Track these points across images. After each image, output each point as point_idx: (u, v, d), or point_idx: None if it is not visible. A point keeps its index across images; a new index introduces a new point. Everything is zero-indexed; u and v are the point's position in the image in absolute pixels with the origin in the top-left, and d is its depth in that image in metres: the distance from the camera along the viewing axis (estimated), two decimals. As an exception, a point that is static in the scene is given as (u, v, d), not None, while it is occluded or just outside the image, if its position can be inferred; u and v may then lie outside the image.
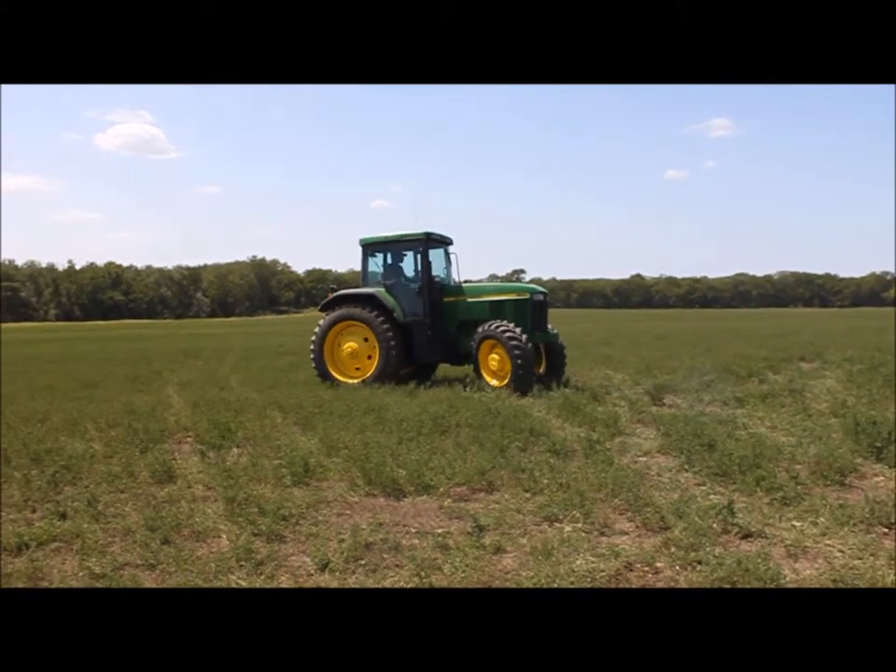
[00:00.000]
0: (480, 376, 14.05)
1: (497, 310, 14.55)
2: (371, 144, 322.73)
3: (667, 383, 13.43)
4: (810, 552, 5.12)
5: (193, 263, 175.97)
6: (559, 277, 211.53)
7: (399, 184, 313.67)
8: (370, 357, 14.84)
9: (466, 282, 15.75)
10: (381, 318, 14.60)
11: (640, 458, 8.00)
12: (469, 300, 14.99)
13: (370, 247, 15.55)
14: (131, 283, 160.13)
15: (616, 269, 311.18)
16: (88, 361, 24.55)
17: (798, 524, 5.65)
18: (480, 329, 14.02)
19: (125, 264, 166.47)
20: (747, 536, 5.43)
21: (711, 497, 6.42)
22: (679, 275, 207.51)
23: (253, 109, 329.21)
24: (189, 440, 9.60)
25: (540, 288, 15.17)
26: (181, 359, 24.25)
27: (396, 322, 14.70)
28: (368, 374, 14.66)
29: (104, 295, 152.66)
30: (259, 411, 11.20)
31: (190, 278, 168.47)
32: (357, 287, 15.59)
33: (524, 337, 13.52)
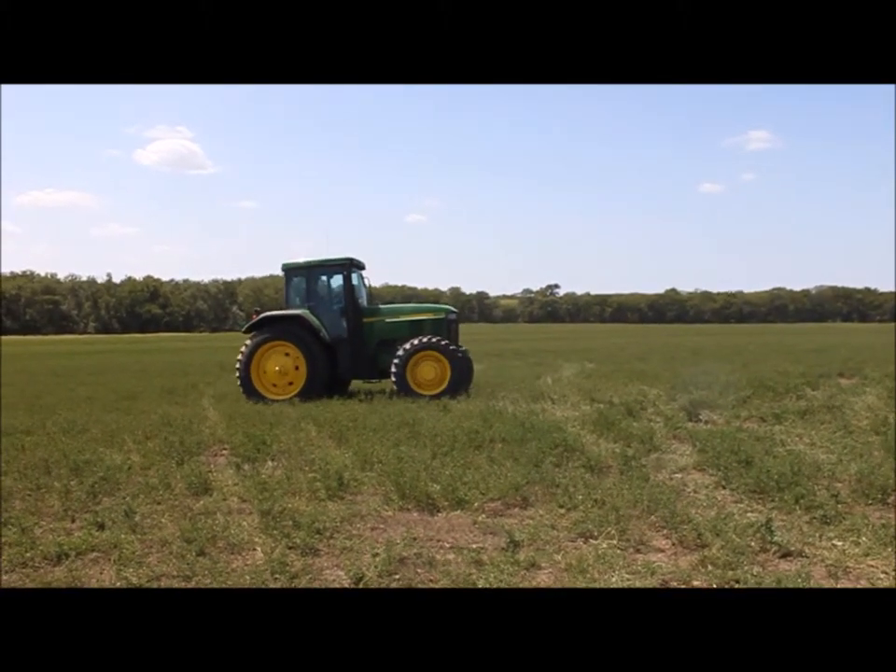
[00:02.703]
0: (407, 388, 15.13)
1: (417, 328, 16.12)
2: (407, 157, 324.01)
3: (703, 398, 13.25)
4: (852, 572, 5.01)
5: (229, 277, 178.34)
6: (593, 292, 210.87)
7: (434, 198, 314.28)
8: (295, 376, 15.55)
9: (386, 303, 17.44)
10: (308, 338, 15.52)
11: (676, 475, 7.91)
12: (388, 320, 16.44)
13: (292, 272, 16.38)
14: (168, 296, 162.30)
15: (651, 283, 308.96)
16: (126, 373, 24.90)
17: (839, 543, 5.54)
18: (412, 343, 15.29)
19: (163, 278, 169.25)
20: (786, 555, 5.33)
21: (749, 514, 6.32)
22: (715, 290, 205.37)
23: (289, 126, 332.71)
24: (224, 452, 9.70)
25: (453, 308, 17.46)
26: (217, 372, 24.47)
27: (322, 341, 15.65)
28: (295, 391, 15.36)
29: (141, 308, 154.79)
30: (294, 424, 11.28)
31: (226, 292, 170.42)
32: (280, 310, 16.36)
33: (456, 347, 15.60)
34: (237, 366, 15.72)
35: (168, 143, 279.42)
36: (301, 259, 16.36)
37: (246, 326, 16.14)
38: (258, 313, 16.30)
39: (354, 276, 16.24)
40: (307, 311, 15.84)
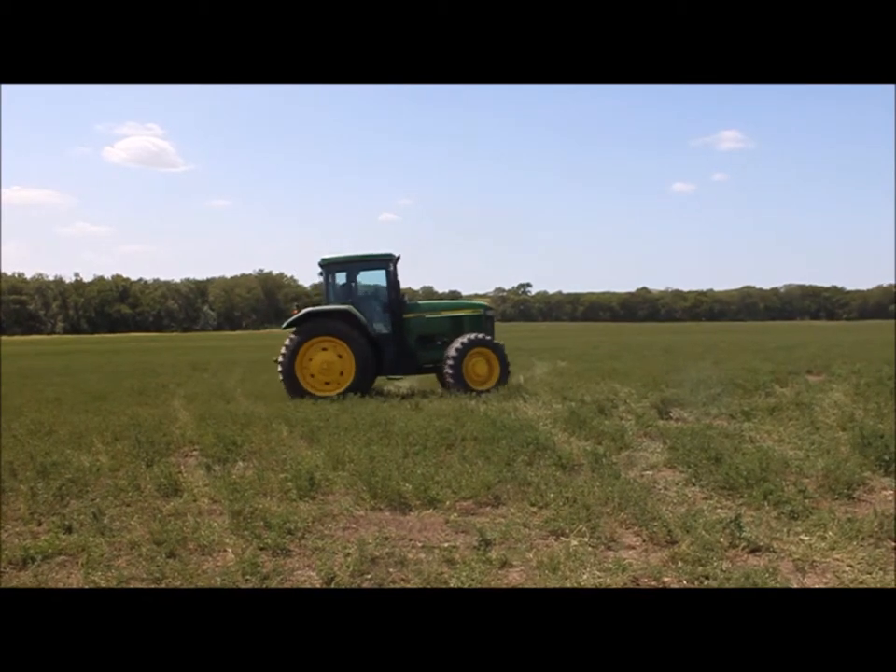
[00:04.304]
0: (464, 384, 15.14)
1: (457, 325, 16.36)
2: (378, 156, 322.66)
3: (674, 396, 13.39)
4: (818, 566, 5.09)
5: (200, 276, 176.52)
6: (565, 290, 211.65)
7: (407, 198, 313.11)
8: (342, 372, 15.31)
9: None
10: (356, 334, 15.25)
11: (647, 472, 7.98)
12: (428, 316, 16.30)
13: (332, 266, 16.13)
14: (138, 296, 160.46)
15: (622, 282, 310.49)
16: (94, 374, 24.59)
17: (806, 538, 5.62)
18: (465, 340, 15.44)
19: (133, 277, 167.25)
20: (754, 550, 5.40)
21: (718, 510, 6.39)
22: (686, 288, 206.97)
23: (262, 124, 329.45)
24: (194, 453, 9.62)
25: (489, 305, 17.89)
26: (188, 372, 24.28)
27: (368, 337, 15.41)
28: (342, 388, 15.09)
29: (111, 308, 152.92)
30: (265, 424, 11.19)
31: (197, 291, 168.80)
32: (319, 305, 16.12)
33: None
34: (280, 362, 15.28)
35: (138, 140, 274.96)
36: (328, 254, 16.13)
37: (289, 321, 15.67)
38: (299, 308, 15.96)
39: (382, 272, 16.09)
40: (351, 306, 15.61)
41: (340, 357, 15.26)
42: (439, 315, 16.50)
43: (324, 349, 15.28)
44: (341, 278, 16.16)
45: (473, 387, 15.11)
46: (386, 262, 15.91)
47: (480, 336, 15.64)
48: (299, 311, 15.73)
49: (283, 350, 15.29)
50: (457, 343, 15.41)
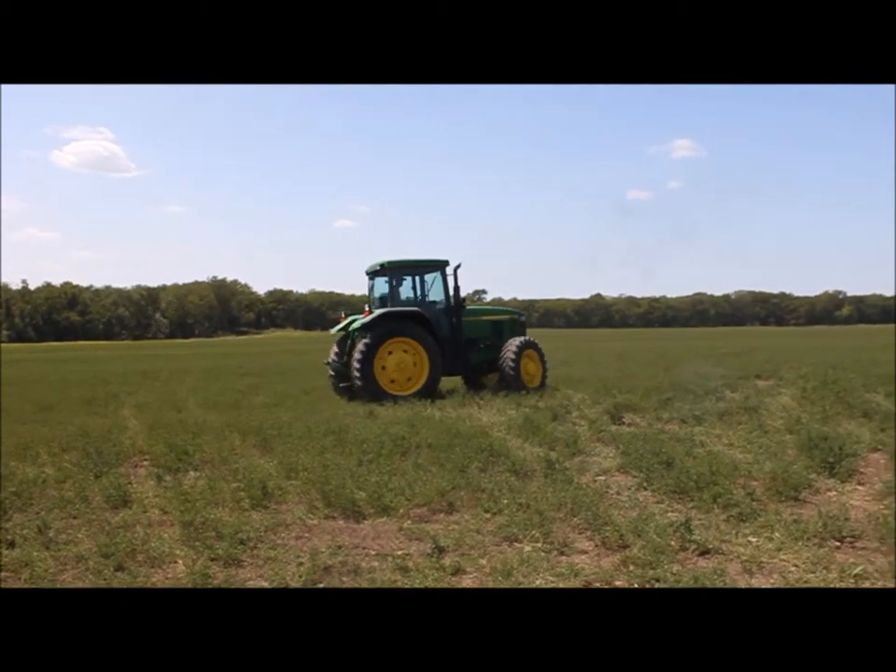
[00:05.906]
0: (520, 382, 16.09)
1: (498, 328, 17.43)
2: (335, 162, 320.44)
3: (626, 402, 13.52)
4: (766, 567, 5.19)
5: (153, 283, 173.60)
6: (520, 297, 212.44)
7: (364, 205, 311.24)
8: (415, 367, 15.67)
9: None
10: (430, 335, 15.70)
11: (599, 477, 8.05)
12: (472, 319, 16.92)
13: (395, 270, 16.40)
14: (88, 303, 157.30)
15: (576, 289, 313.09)
16: (42, 383, 24.03)
17: (754, 539, 5.73)
18: (520, 342, 16.59)
19: (83, 284, 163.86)
20: (704, 552, 5.48)
21: (669, 514, 6.48)
22: (639, 295, 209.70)
23: (215, 129, 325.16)
24: (145, 463, 9.46)
25: (520, 311, 19.13)
26: (138, 381, 23.88)
27: (437, 338, 15.87)
28: (416, 388, 15.48)
29: (59, 315, 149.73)
30: (218, 433, 11.02)
31: (149, 298, 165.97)
32: (370, 309, 16.58)
33: None
34: (356, 366, 15.17)
35: (87, 144, 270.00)
36: (383, 259, 16.39)
37: (364, 322, 15.66)
38: (370, 310, 16.17)
39: (427, 277, 16.66)
40: (420, 309, 15.99)
41: (412, 357, 15.65)
42: (482, 319, 17.46)
43: (390, 352, 15.54)
44: (403, 281, 16.59)
45: (527, 386, 15.98)
46: (444, 267, 16.68)
47: (529, 339, 16.89)
48: (371, 313, 15.99)
49: (360, 351, 15.19)
50: (515, 344, 16.46)
